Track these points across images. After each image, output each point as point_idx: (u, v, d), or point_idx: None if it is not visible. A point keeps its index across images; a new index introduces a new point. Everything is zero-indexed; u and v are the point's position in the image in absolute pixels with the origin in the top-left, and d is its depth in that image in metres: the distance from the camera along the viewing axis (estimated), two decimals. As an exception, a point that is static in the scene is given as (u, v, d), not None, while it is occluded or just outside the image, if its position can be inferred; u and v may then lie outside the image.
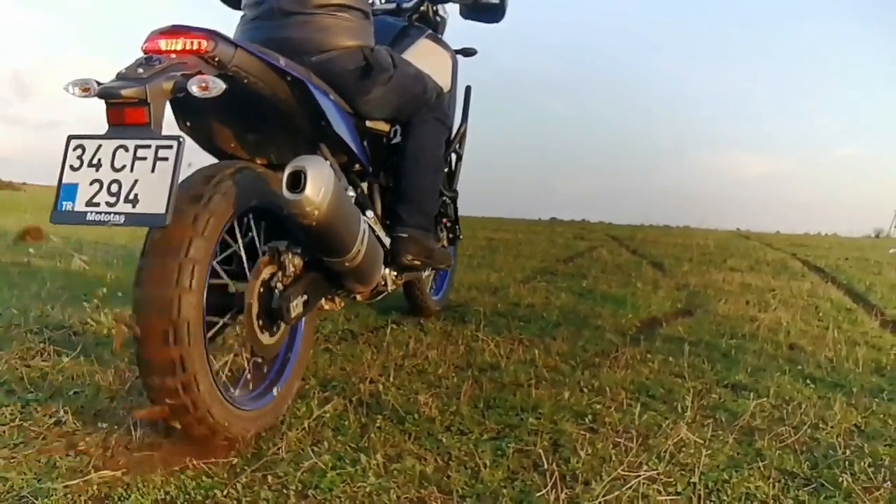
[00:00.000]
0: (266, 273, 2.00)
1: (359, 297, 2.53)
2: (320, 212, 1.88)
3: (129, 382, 2.28)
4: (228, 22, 2.39)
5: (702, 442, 2.05)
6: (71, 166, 1.63)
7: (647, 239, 10.15)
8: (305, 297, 2.11)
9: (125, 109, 1.63)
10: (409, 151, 2.58)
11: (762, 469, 1.91)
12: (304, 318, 2.18)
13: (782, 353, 3.24)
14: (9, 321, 2.92)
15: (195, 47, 1.71)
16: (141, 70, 1.64)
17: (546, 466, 1.83)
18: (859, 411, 2.45)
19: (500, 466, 1.87)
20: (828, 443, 2.14)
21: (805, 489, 1.83)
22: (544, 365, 2.79)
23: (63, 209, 1.62)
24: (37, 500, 1.57)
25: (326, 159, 2.08)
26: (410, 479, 1.78)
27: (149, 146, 1.60)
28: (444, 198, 3.23)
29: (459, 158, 3.34)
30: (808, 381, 2.77)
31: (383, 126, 2.60)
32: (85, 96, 1.64)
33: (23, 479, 1.66)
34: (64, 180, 1.63)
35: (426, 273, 3.31)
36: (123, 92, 1.59)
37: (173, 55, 1.70)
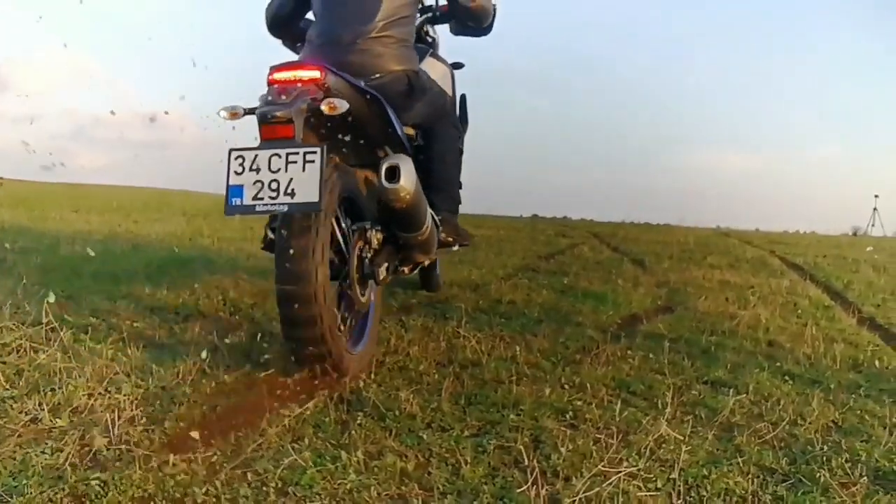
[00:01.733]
0: (357, 247, 2.57)
1: (406, 271, 3.09)
2: (409, 196, 2.57)
3: (108, 379, 2.25)
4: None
5: (681, 438, 2.06)
6: (235, 172, 2.14)
7: (627, 236, 10.21)
8: (387, 264, 2.74)
9: (276, 127, 2.17)
10: (437, 152, 3.06)
11: (741, 465, 1.93)
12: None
13: (761, 350, 3.27)
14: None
15: (313, 77, 2.24)
16: (284, 97, 2.17)
17: (527, 463, 1.83)
18: (837, 407, 2.48)
19: (481, 463, 1.87)
20: (806, 439, 2.16)
21: (783, 484, 1.84)
22: (525, 362, 2.80)
23: (234, 204, 2.14)
24: (12, 498, 1.55)
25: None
26: (391, 475, 1.77)
27: (297, 153, 2.13)
28: None
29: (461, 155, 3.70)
30: (786, 378, 2.80)
31: (411, 131, 3.06)
32: (234, 119, 2.30)
33: (-3, 477, 1.63)
34: (230, 182, 2.14)
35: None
36: (277, 114, 2.15)
37: (299, 84, 2.22)
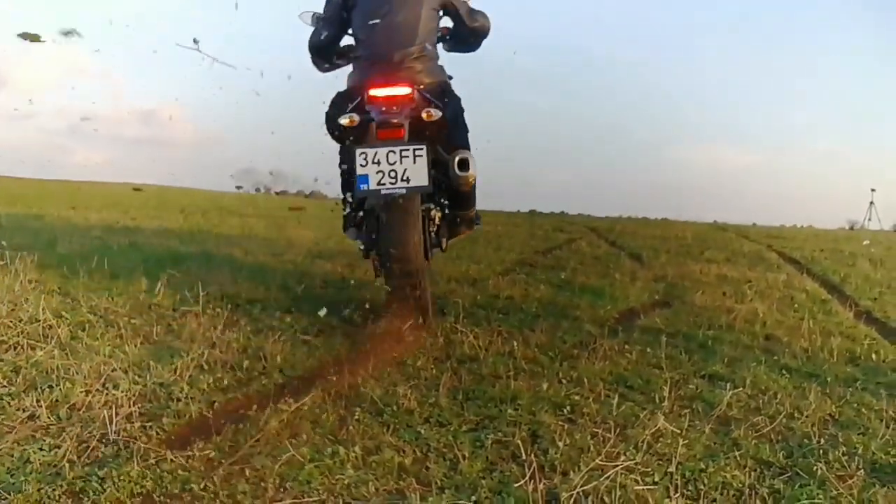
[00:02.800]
0: (426, 223, 3.23)
1: (447, 243, 3.57)
2: (474, 181, 3.22)
3: (105, 375, 2.25)
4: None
5: (679, 432, 2.06)
6: (360, 164, 2.87)
7: (625, 231, 10.20)
8: (447, 236, 3.47)
9: (391, 131, 2.93)
10: (461, 144, 3.40)
11: (738, 458, 1.93)
12: None
13: (758, 344, 3.28)
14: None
15: (405, 92, 3.01)
16: (395, 108, 2.97)
17: (524, 457, 1.84)
18: (834, 401, 2.48)
19: (479, 458, 1.87)
20: (803, 432, 2.17)
21: (780, 478, 1.85)
22: (523, 356, 2.80)
23: (362, 189, 2.90)
24: (10, 495, 1.55)
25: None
26: (389, 470, 1.78)
27: (408, 149, 2.88)
28: None
29: None
30: (783, 372, 2.81)
31: None
32: (351, 125, 2.97)
33: (-5, 474, 1.63)
34: (358, 172, 2.88)
35: None
36: (392, 121, 2.94)
37: (399, 98, 2.99)
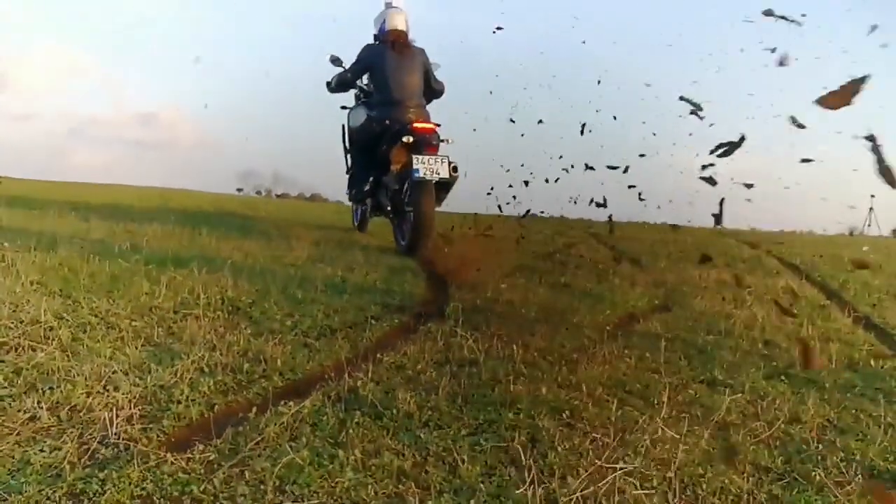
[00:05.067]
0: None
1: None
2: (456, 176, 5.79)
3: (106, 377, 2.25)
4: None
5: (678, 437, 2.07)
6: (417, 163, 5.60)
7: (625, 235, 10.20)
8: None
9: (430, 148, 5.81)
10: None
11: (737, 464, 1.94)
12: None
13: (757, 350, 3.29)
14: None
15: (433, 127, 5.97)
16: (428, 136, 5.88)
17: (524, 461, 1.84)
18: (832, 406, 2.49)
19: (478, 462, 1.88)
20: (801, 437, 2.17)
21: (778, 483, 1.86)
22: (522, 361, 2.81)
23: (415, 178, 5.57)
24: (10, 496, 1.55)
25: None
26: (388, 474, 1.78)
27: (439, 159, 5.70)
28: None
29: None
30: (782, 377, 2.81)
31: None
32: (405, 145, 5.81)
33: (-4, 476, 1.64)
34: (414, 166, 5.57)
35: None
36: (432, 143, 5.89)
37: (431, 129, 5.93)
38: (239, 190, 21.74)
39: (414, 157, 5.55)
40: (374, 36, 6.52)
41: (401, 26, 6.29)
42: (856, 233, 18.93)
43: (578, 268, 5.86)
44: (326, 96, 6.79)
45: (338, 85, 6.51)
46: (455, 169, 5.63)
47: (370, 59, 6.29)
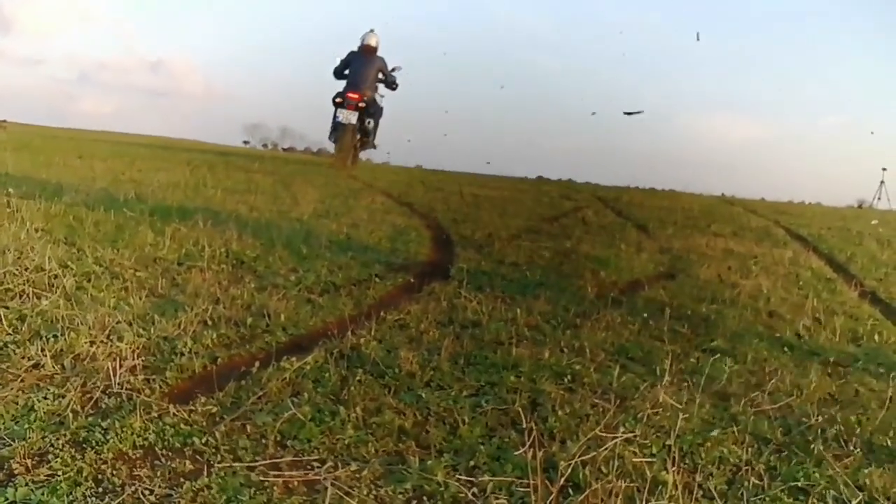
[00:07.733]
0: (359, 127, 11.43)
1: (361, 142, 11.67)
2: (374, 128, 11.76)
3: (110, 327, 2.26)
4: None
5: (678, 405, 2.07)
6: (337, 111, 11.13)
7: (632, 201, 10.14)
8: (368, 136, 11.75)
9: (351, 106, 10.93)
10: (372, 116, 11.45)
11: (736, 433, 1.94)
12: None
13: (761, 320, 3.28)
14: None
15: (359, 95, 10.93)
16: (354, 102, 11.10)
17: (524, 424, 1.84)
18: (834, 380, 2.49)
19: (479, 423, 1.88)
20: (802, 410, 2.18)
21: (777, 454, 1.86)
22: (525, 324, 2.81)
23: (337, 120, 11.02)
24: (14, 442, 1.56)
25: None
26: (389, 432, 1.79)
27: (353, 113, 11.05)
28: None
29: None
30: (785, 349, 2.81)
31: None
32: (340, 102, 11.23)
33: (0, 422, 1.65)
34: (336, 113, 11.05)
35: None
36: (354, 104, 11.00)
37: (357, 97, 10.94)
38: (245, 142, 21.66)
39: (339, 110, 10.80)
40: (358, 47, 11.23)
41: (372, 43, 11.14)
42: (865, 206, 18.81)
43: (586, 232, 5.84)
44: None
45: (335, 73, 11.27)
46: (371, 123, 11.14)
47: (349, 60, 11.18)
